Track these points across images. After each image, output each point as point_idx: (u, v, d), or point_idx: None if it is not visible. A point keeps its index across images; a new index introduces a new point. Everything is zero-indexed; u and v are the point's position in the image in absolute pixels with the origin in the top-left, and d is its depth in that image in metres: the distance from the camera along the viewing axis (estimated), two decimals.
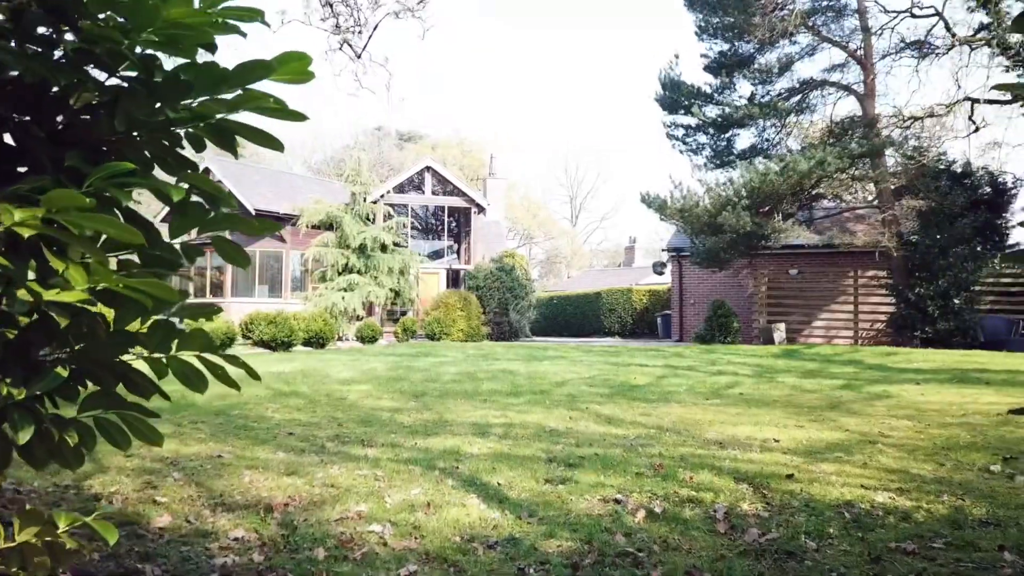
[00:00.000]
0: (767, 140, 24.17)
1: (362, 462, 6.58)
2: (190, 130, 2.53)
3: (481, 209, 32.97)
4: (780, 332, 22.85)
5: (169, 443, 7.49)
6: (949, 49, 23.30)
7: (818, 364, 16.37)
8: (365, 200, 25.97)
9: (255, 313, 19.79)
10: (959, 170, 22.57)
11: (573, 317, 37.04)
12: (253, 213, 30.45)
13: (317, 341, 20.04)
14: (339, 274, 24.19)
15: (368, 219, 25.79)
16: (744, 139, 24.46)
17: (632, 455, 6.72)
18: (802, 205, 22.18)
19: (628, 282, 40.03)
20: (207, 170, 32.77)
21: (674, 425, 8.69)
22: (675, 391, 12.00)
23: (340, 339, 22.92)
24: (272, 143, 2.68)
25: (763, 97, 23.65)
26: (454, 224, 34.75)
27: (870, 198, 24.84)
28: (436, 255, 34.02)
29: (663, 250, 28.78)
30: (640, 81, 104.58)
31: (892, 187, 21.54)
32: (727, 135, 24.45)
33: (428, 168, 32.24)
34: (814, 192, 21.51)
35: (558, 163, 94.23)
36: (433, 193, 32.42)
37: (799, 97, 23.53)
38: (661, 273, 29.31)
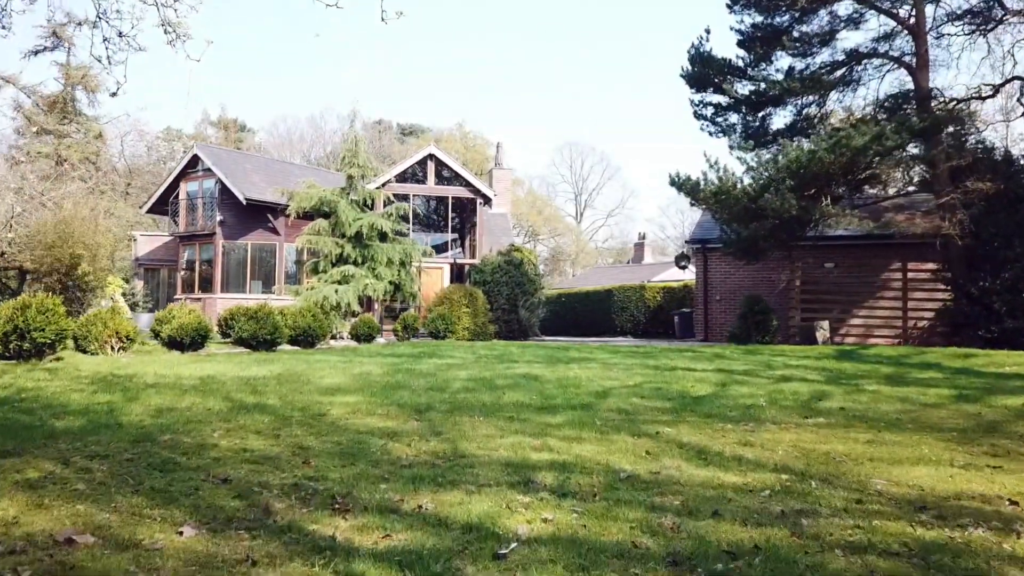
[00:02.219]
0: (806, 119, 21.05)
1: (322, 561, 3.45)
2: None
3: (487, 200, 29.84)
4: (823, 331, 19.75)
5: (10, 506, 4.36)
6: (998, 23, 20.33)
7: (892, 368, 13.23)
8: (364, 185, 22.84)
9: (235, 308, 16.70)
10: (999, 157, 19.52)
11: (583, 315, 33.91)
12: (244, 202, 27.34)
13: (305, 339, 16.88)
14: (333, 265, 21.02)
15: (366, 205, 22.64)
16: (780, 118, 21.43)
17: (817, 547, 3.59)
18: (852, 188, 19.03)
19: (638, 279, 36.93)
20: (195, 158, 29.71)
21: (805, 465, 5.59)
22: (753, 404, 8.88)
23: (333, 337, 19.78)
24: None
25: (803, 71, 20.54)
26: (458, 218, 31.61)
27: (909, 184, 21.71)
28: (440, 249, 30.87)
29: (687, 242, 25.68)
30: (650, 75, 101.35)
31: (949, 169, 18.43)
32: (761, 114, 21.32)
33: (431, 156, 29.11)
34: (867, 173, 18.36)
35: (563, 160, 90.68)
36: (437, 183, 29.27)
37: (844, 70, 20.41)
38: (684, 267, 26.20)
